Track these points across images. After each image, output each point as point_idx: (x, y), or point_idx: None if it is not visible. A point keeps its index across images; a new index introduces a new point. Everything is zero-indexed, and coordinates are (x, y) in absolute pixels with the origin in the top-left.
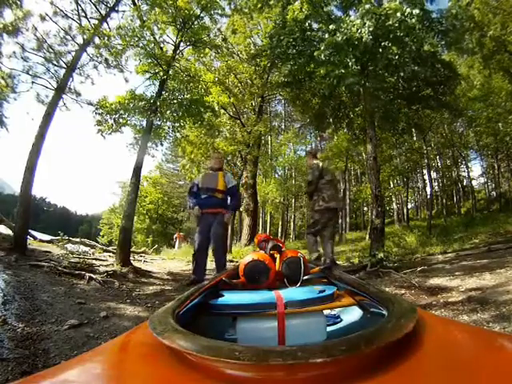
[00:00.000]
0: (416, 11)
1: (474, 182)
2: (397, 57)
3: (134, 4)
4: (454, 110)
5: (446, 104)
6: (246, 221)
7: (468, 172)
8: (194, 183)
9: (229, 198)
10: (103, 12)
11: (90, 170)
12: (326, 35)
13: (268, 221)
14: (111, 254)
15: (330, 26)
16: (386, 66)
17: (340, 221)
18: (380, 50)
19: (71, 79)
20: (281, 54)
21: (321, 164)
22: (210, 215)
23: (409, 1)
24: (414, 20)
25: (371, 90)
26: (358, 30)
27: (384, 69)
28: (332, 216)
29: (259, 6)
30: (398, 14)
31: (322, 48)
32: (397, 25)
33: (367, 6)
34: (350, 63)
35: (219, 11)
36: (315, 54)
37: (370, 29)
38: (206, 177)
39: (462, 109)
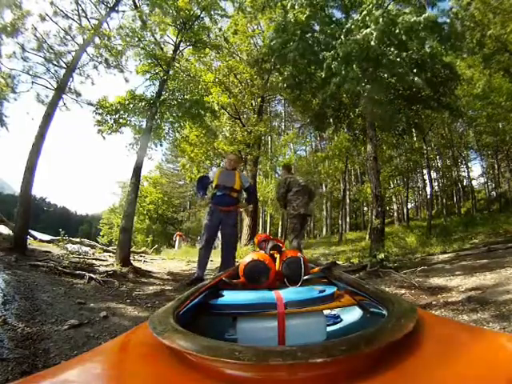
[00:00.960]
0: (429, 24)
1: (474, 182)
2: (398, 59)
3: (135, 4)
4: (454, 110)
5: (446, 105)
6: (246, 221)
7: (468, 172)
8: (206, 176)
9: (244, 195)
10: (103, 12)
11: (89, 170)
12: (331, 40)
13: (268, 221)
14: (111, 254)
15: (341, 32)
16: (387, 69)
17: (340, 221)
18: (382, 52)
19: (71, 79)
20: (281, 58)
21: (288, 179)
22: (222, 213)
23: (417, 11)
24: (424, 33)
25: (371, 91)
26: (368, 37)
27: (385, 71)
28: (302, 220)
29: (262, 7)
30: (412, 20)
31: (330, 60)
32: (403, 32)
33: (369, 7)
34: (353, 68)
35: (219, 12)
36: (324, 64)
37: (376, 35)
38: (222, 174)
39: (462, 111)
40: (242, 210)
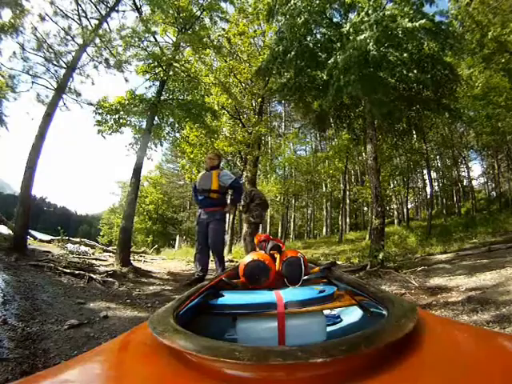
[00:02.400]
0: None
1: (474, 182)
2: (398, 61)
3: (135, 4)
4: (453, 111)
5: (446, 106)
6: None
7: (468, 172)
8: (194, 183)
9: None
10: (103, 12)
11: (90, 169)
12: (331, 43)
13: (268, 221)
14: (111, 254)
15: (341, 35)
16: (386, 70)
17: (340, 221)
18: (381, 55)
19: (71, 79)
20: (282, 65)
21: (253, 192)
22: (206, 215)
23: (416, 14)
24: (421, 35)
25: (373, 93)
26: (366, 41)
27: (385, 73)
28: (256, 226)
29: (268, 18)
30: (408, 25)
31: (329, 67)
32: (400, 34)
33: (366, 9)
34: (353, 73)
35: (220, 13)
36: (325, 72)
37: (374, 38)
38: (201, 178)
39: (462, 112)
40: (227, 211)
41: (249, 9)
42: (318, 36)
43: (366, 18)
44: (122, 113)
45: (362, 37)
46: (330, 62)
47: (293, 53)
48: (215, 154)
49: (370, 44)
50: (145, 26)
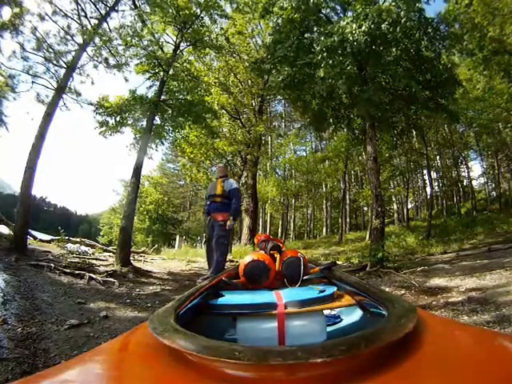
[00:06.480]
0: (413, 15)
1: (474, 182)
2: (393, 59)
3: (134, 4)
4: (452, 112)
5: (444, 107)
6: (246, 221)
7: (468, 172)
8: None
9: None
10: (103, 12)
11: (89, 169)
12: (322, 38)
13: (268, 221)
14: (111, 254)
15: (328, 27)
16: (383, 69)
17: (340, 221)
18: (376, 51)
19: (71, 79)
20: (280, 60)
21: None
22: (213, 218)
23: (406, 4)
24: (409, 23)
25: (367, 92)
26: (352, 31)
27: (381, 71)
28: None
29: (262, 14)
30: (394, 15)
31: (317, 49)
32: (391, 27)
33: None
34: (346, 64)
35: (219, 12)
36: (311, 56)
37: (364, 29)
38: (210, 185)
39: (461, 113)
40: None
41: (246, 8)
42: (316, 34)
43: (359, 10)
44: (123, 114)
45: (347, 26)
46: (317, 49)
47: (288, 44)
48: (224, 166)
49: (360, 35)
50: (142, 23)
